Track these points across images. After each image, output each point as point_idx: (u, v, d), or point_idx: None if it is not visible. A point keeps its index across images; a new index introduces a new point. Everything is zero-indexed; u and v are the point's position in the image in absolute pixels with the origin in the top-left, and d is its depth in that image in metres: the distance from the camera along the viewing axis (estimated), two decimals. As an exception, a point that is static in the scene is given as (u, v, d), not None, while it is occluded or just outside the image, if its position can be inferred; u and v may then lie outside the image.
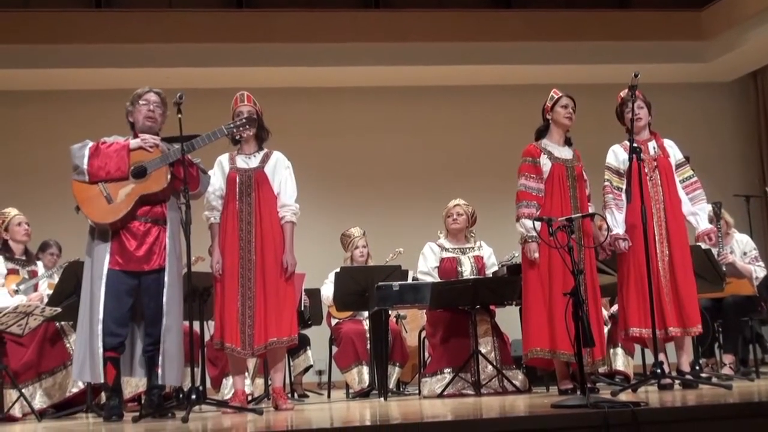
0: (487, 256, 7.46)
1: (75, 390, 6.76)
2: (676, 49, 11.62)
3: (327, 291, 8.04)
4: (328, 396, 8.31)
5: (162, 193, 5.55)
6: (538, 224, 5.73)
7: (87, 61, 10.67)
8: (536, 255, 6.11)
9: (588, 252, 6.21)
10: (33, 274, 7.20)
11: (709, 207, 6.50)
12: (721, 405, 4.50)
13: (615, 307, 7.07)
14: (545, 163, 6.25)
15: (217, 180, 6.03)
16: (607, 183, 6.37)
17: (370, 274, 7.41)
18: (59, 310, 6.43)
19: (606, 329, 6.96)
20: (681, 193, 6.35)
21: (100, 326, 5.36)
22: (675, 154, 6.43)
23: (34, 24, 10.60)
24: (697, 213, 6.34)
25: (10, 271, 7.09)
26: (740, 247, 7.99)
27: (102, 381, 5.40)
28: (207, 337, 6.76)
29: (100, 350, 5.35)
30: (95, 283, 5.43)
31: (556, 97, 6.38)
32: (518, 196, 6.26)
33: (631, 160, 5.93)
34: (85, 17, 10.97)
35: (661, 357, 5.96)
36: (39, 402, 6.65)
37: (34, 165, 10.98)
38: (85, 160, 5.49)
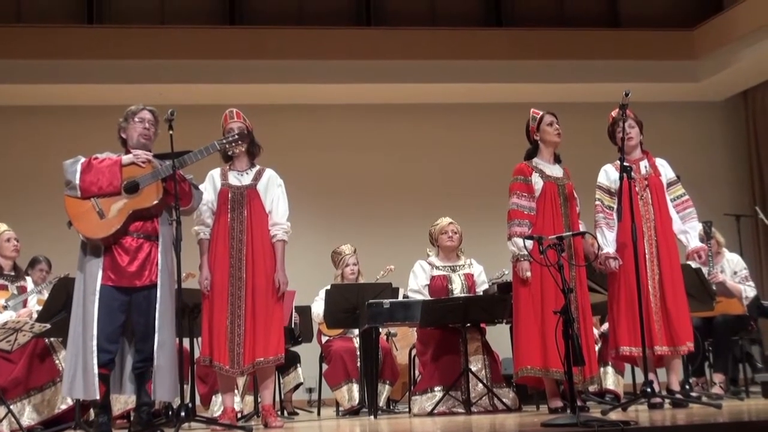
0: (477, 273, 7.46)
1: (64, 407, 6.69)
2: (668, 69, 11.69)
3: (317, 308, 8.03)
4: (318, 414, 8.29)
5: (154, 208, 5.53)
6: (530, 243, 5.74)
7: (79, 77, 10.69)
8: (528, 274, 6.10)
9: (579, 270, 6.21)
10: (22, 290, 7.18)
11: (700, 226, 6.51)
12: (711, 424, 4.50)
13: (605, 326, 7.08)
14: (537, 182, 6.25)
15: (208, 195, 6.01)
16: (598, 202, 6.37)
17: (360, 291, 7.40)
18: (48, 326, 6.38)
19: (596, 347, 6.96)
20: (672, 211, 6.36)
21: (95, 342, 5.32)
22: (666, 173, 6.45)
23: (27, 39, 10.61)
24: (688, 231, 6.35)
25: (-1, 287, 7.08)
26: (731, 266, 8.01)
27: (97, 397, 5.36)
28: (197, 354, 6.73)
29: (95, 367, 5.30)
30: (88, 299, 5.39)
31: (538, 116, 6.37)
32: (510, 215, 6.25)
33: (621, 179, 5.94)
34: (78, 33, 10.99)
35: (651, 376, 5.96)
36: (27, 419, 6.60)
37: (24, 180, 10.97)
38: (78, 176, 5.46)
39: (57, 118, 11.22)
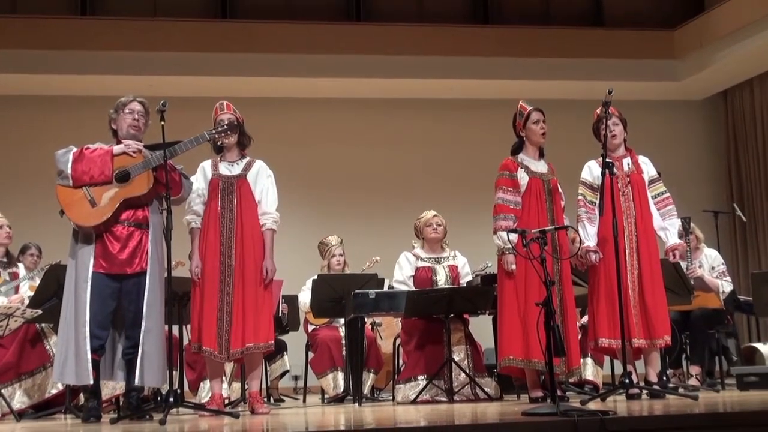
0: (461, 265, 7.53)
1: (54, 391, 6.77)
2: (649, 68, 11.80)
3: (304, 298, 8.11)
4: (304, 401, 8.33)
5: (145, 197, 5.60)
6: (514, 236, 5.82)
7: (71, 68, 10.71)
8: (513, 267, 6.15)
9: (563, 264, 6.29)
10: (14, 276, 7.22)
11: (679, 222, 6.62)
12: (687, 415, 4.55)
13: (585, 318, 7.18)
14: (522, 177, 6.29)
15: (199, 185, 6.08)
16: (580, 197, 6.42)
17: (346, 281, 7.46)
18: (40, 312, 6.46)
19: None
20: (653, 208, 6.44)
21: (88, 328, 5.39)
22: (649, 170, 6.52)
23: (21, 29, 10.61)
24: (667, 228, 6.43)
25: (-9, 274, 7.14)
26: (709, 261, 8.11)
27: (90, 382, 5.43)
28: (186, 341, 6.80)
29: (89, 353, 5.37)
30: (80, 287, 5.45)
31: (525, 113, 6.38)
32: (496, 209, 6.28)
33: (603, 175, 6.01)
34: (71, 24, 11.00)
35: (629, 367, 6.04)
36: (18, 402, 6.67)
37: (16, 169, 11.00)
38: (69, 165, 5.52)
39: (49, 108, 11.24)
